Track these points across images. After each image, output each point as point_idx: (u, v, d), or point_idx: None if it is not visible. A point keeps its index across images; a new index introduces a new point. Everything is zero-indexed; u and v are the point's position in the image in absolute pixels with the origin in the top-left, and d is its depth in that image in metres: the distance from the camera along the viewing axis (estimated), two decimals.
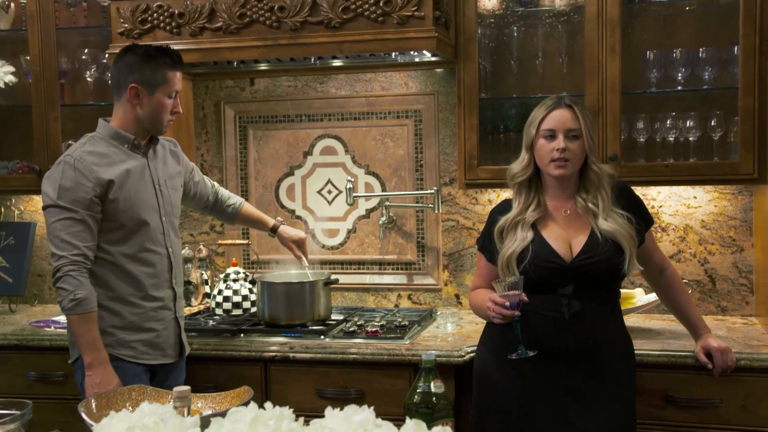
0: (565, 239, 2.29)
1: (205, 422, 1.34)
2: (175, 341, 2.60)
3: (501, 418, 2.31)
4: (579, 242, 2.27)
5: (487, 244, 2.39)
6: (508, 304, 2.17)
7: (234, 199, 2.96)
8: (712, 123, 2.85)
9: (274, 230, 2.97)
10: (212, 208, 2.92)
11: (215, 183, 2.95)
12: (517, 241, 2.28)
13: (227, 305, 3.13)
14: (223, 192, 2.95)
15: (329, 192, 3.44)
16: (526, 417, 2.27)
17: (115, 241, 2.45)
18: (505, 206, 2.40)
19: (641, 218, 2.35)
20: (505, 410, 2.30)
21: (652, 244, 2.45)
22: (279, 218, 3.01)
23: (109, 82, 3.30)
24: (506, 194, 3.20)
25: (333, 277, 3.05)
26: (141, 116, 2.49)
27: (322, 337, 2.84)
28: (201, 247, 3.44)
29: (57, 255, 2.36)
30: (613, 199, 2.30)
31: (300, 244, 2.97)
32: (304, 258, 2.97)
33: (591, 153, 2.30)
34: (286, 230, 2.98)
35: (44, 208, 2.42)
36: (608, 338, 2.28)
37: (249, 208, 3.01)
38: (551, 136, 2.28)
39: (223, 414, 1.34)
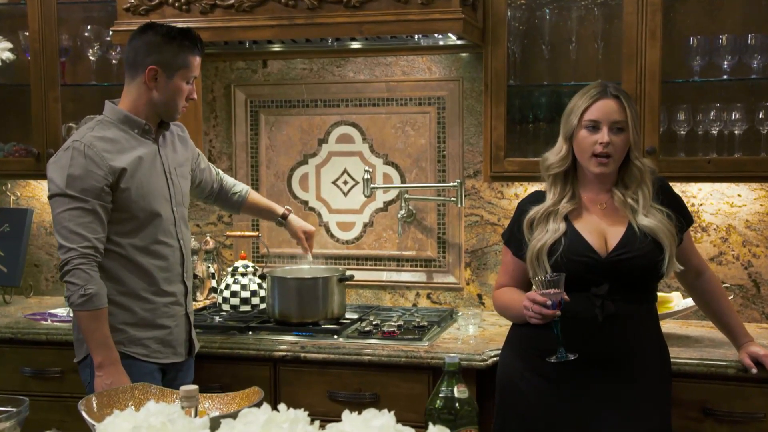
0: (600, 233, 2.28)
1: (214, 424, 1.34)
2: (185, 338, 2.61)
3: (525, 426, 2.31)
4: (615, 236, 2.26)
5: (515, 237, 2.38)
6: (549, 303, 2.14)
7: (240, 186, 2.96)
8: (760, 115, 2.82)
9: (283, 218, 2.97)
10: (216, 196, 2.92)
11: (219, 170, 2.95)
12: (548, 233, 2.27)
13: (235, 301, 3.14)
14: (228, 180, 2.95)
15: (345, 183, 3.43)
16: (553, 426, 2.26)
17: (126, 232, 2.45)
18: (535, 197, 2.39)
19: (681, 216, 2.34)
20: (530, 418, 2.30)
21: (690, 245, 2.44)
22: (288, 207, 3.01)
23: (114, 61, 3.34)
24: (534, 188, 3.17)
25: (348, 273, 3.05)
26: (156, 100, 2.48)
27: (336, 336, 2.84)
28: (208, 238, 3.45)
29: (66, 247, 2.35)
30: (653, 195, 2.29)
31: (309, 236, 2.97)
32: (309, 252, 2.97)
33: (635, 148, 2.28)
34: (298, 220, 2.99)
35: (51, 197, 2.40)
36: (644, 344, 2.27)
37: (256, 196, 3.00)
38: (594, 127, 2.26)
39: (234, 415, 1.34)
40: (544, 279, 2.16)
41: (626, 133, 2.25)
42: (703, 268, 2.46)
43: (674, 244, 2.26)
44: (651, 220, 2.25)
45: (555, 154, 2.33)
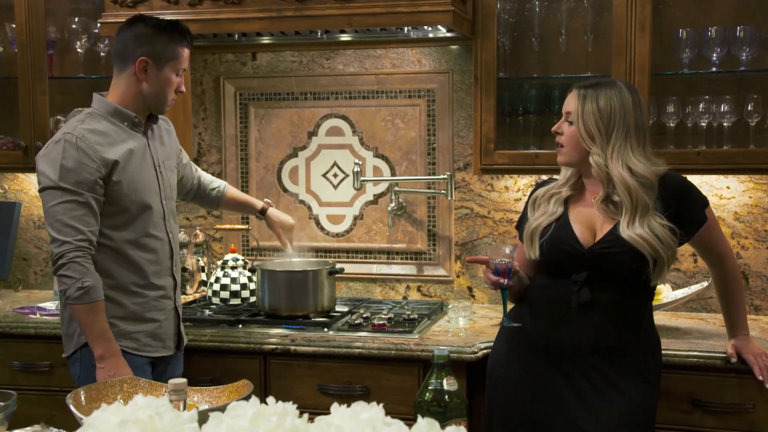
0: (591, 225, 2.28)
1: (203, 417, 1.33)
2: (174, 332, 2.61)
3: (509, 410, 2.34)
4: (604, 230, 2.26)
5: (522, 223, 2.42)
6: (492, 268, 2.20)
7: (218, 182, 2.95)
8: (749, 107, 2.83)
9: (263, 212, 2.96)
10: (195, 193, 2.91)
11: (198, 167, 2.94)
12: (546, 215, 2.31)
13: (225, 294, 3.13)
14: (206, 176, 2.94)
15: (335, 175, 3.43)
16: (533, 410, 2.29)
17: (117, 225, 2.44)
18: (547, 183, 2.44)
19: (692, 217, 2.29)
20: (513, 402, 2.33)
21: (710, 236, 2.36)
22: (267, 200, 3.01)
23: (102, 53, 3.32)
24: (524, 181, 3.19)
25: (338, 266, 3.05)
26: (146, 92, 2.47)
27: (326, 329, 2.83)
28: (197, 231, 3.44)
29: (60, 240, 2.33)
30: (662, 195, 2.24)
31: (288, 229, 2.97)
32: (289, 245, 2.97)
33: (591, 143, 2.23)
34: (276, 213, 2.98)
35: (42, 190, 2.38)
36: (623, 336, 2.25)
37: (234, 191, 3.00)
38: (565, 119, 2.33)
39: (222, 409, 1.34)
40: (494, 247, 2.23)
41: (574, 125, 2.26)
42: (725, 257, 2.41)
43: (662, 257, 2.19)
44: (633, 232, 2.18)
45: None
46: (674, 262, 2.33)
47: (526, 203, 2.44)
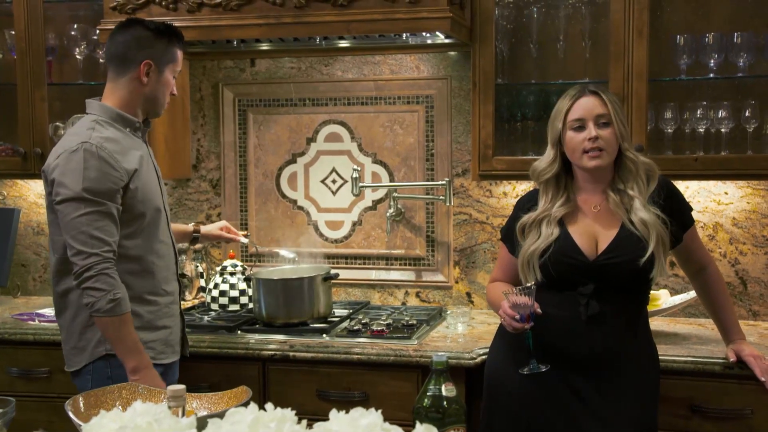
0: (592, 235, 2.28)
1: (201, 423, 1.34)
2: (180, 336, 2.60)
3: (510, 420, 2.33)
4: (606, 239, 2.27)
5: (510, 235, 2.41)
6: (518, 317, 2.17)
7: None
8: (747, 113, 2.83)
9: (197, 233, 2.99)
10: None
11: None
12: (540, 239, 2.28)
13: (223, 300, 3.13)
14: None
15: (334, 181, 3.43)
16: (536, 421, 2.28)
17: (132, 234, 2.39)
18: (532, 197, 2.40)
19: (681, 218, 2.33)
20: (515, 412, 2.32)
21: (693, 243, 2.41)
22: (194, 223, 3.05)
23: (101, 60, 3.33)
24: (523, 187, 3.19)
25: (334, 271, 3.05)
26: (147, 95, 2.45)
27: (324, 335, 2.83)
28: None
29: (86, 252, 2.25)
30: (654, 195, 2.27)
31: (227, 230, 3.04)
32: (240, 235, 3.05)
33: (624, 140, 2.28)
34: (208, 227, 3.04)
35: (62, 201, 2.30)
36: (628, 346, 2.27)
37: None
38: (580, 126, 2.26)
39: (221, 415, 1.34)
40: (515, 293, 2.16)
41: (612, 126, 2.26)
42: (706, 263, 2.45)
43: (661, 245, 2.23)
44: (646, 213, 2.22)
45: (544, 161, 2.34)
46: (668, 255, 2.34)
47: (513, 218, 2.40)
